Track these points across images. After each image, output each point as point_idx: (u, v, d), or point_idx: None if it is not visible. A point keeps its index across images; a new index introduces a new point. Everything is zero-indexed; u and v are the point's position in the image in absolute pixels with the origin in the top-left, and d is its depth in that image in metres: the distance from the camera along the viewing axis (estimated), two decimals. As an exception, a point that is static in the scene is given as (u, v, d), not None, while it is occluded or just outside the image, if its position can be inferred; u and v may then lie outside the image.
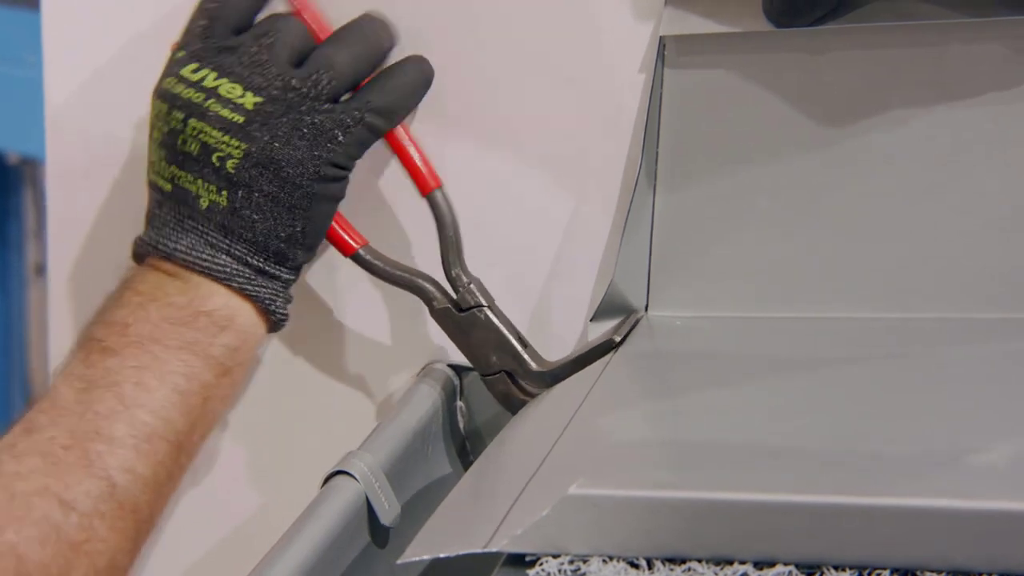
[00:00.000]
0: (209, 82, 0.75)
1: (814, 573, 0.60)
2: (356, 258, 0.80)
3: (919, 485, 0.60)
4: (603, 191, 0.85)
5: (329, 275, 0.87)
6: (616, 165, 0.84)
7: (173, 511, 0.89)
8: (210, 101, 0.74)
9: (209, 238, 0.75)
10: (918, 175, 0.80)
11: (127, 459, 0.71)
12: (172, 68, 0.77)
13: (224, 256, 0.75)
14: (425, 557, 0.63)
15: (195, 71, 0.75)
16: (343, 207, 0.79)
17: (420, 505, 0.82)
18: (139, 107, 0.81)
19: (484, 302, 0.80)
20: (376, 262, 0.80)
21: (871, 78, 0.81)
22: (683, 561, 0.61)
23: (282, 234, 0.75)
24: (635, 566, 0.61)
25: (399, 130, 0.81)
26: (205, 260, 0.75)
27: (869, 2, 0.79)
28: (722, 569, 0.60)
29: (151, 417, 0.72)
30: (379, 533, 0.78)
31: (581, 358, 0.79)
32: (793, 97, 0.82)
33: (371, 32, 0.79)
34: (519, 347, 0.80)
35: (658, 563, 0.61)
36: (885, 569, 0.59)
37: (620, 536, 0.61)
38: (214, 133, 0.74)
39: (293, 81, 0.75)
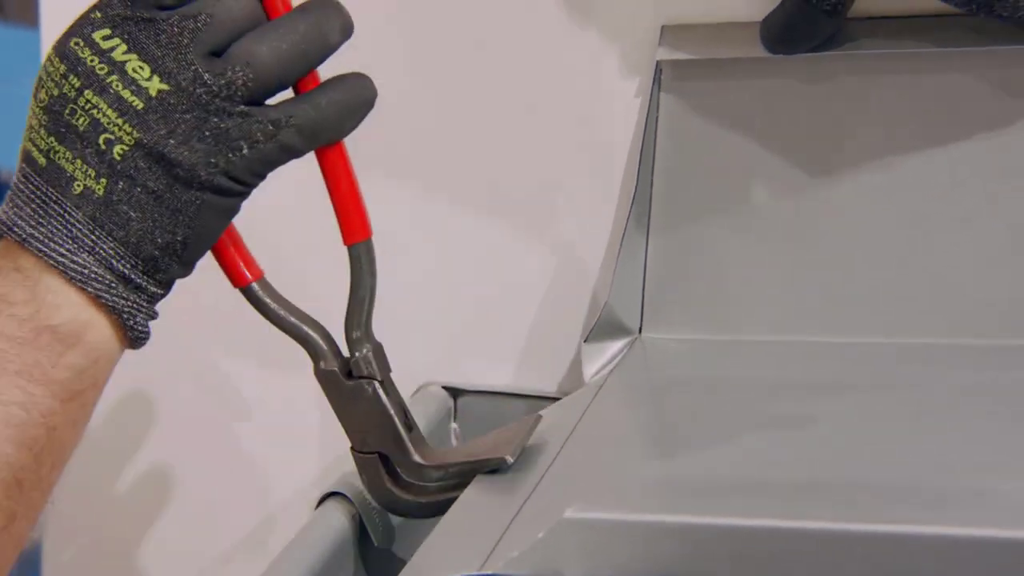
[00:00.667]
0: (118, 55, 0.66)
1: (810, 599, 0.60)
2: (247, 292, 0.71)
3: (917, 512, 0.60)
4: (598, 213, 0.85)
5: (325, 291, 0.87)
6: (611, 187, 0.84)
7: (170, 530, 0.89)
8: (113, 77, 0.66)
9: (74, 229, 0.66)
10: (914, 202, 0.81)
11: None
12: (83, 27, 0.67)
13: (85, 255, 0.66)
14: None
15: (106, 38, 0.66)
16: (244, 229, 0.71)
17: (414, 527, 0.81)
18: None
19: (378, 375, 0.72)
20: (268, 301, 0.71)
21: (867, 105, 0.81)
22: (679, 585, 0.61)
23: (159, 240, 0.66)
24: (630, 590, 0.61)
25: (337, 158, 0.69)
26: (62, 256, 0.66)
27: (867, 30, 0.79)
28: (718, 594, 0.60)
29: None
30: (372, 556, 0.78)
31: (465, 465, 0.71)
32: (789, 122, 0.82)
33: (317, 22, 0.68)
34: (403, 431, 0.72)
35: (654, 587, 0.61)
36: (884, 598, 0.59)
37: (616, 560, 0.61)
38: (108, 112, 0.66)
39: (206, 75, 0.66)
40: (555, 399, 0.84)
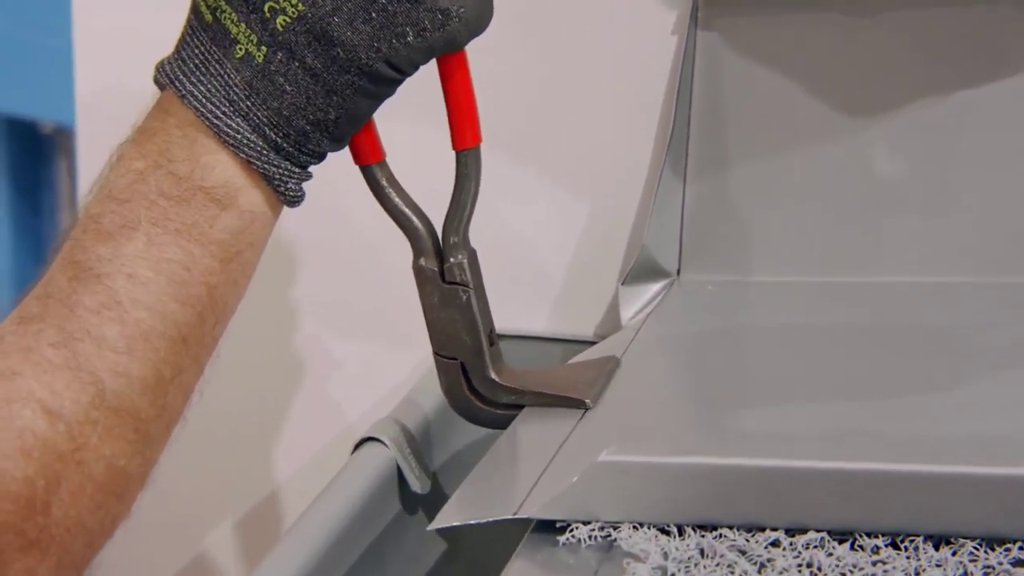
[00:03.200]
0: None
1: (846, 540, 0.59)
2: (367, 172, 0.71)
3: (953, 452, 0.60)
4: (635, 154, 0.84)
5: (355, 243, 0.87)
6: (648, 128, 0.83)
7: (200, 479, 0.89)
8: None
9: (232, 92, 0.67)
10: (958, 140, 0.80)
11: (119, 362, 0.65)
12: None
13: (239, 120, 0.67)
14: (455, 523, 0.62)
15: None
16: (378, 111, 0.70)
17: (450, 472, 0.81)
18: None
19: (471, 283, 0.72)
20: (385, 184, 0.71)
21: (913, 39, 0.80)
22: (714, 528, 0.60)
23: (311, 116, 0.67)
24: (666, 532, 0.61)
25: (461, 62, 0.70)
26: (218, 118, 0.67)
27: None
28: (753, 536, 0.60)
29: (146, 313, 0.66)
30: (409, 500, 0.77)
31: (544, 398, 0.71)
32: (831, 58, 0.81)
33: None
34: (485, 344, 0.72)
35: (689, 529, 0.61)
36: (918, 535, 0.58)
37: (650, 503, 0.61)
38: None
39: None
40: (592, 343, 0.84)
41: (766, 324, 0.78)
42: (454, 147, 0.71)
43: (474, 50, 0.85)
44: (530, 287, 0.87)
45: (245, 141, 0.67)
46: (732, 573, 0.58)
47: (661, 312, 0.80)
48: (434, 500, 0.78)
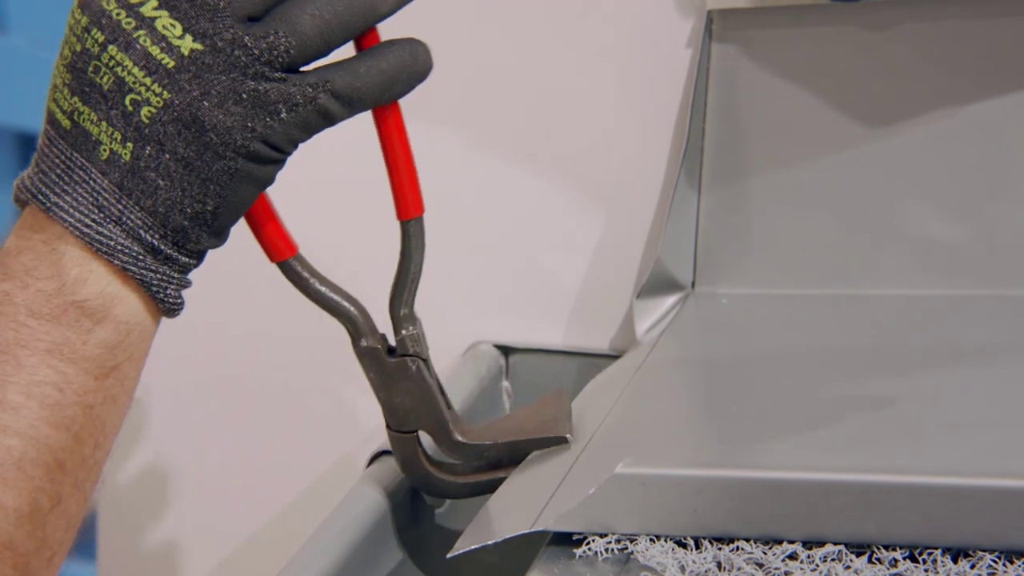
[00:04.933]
0: (147, 10, 0.62)
1: (863, 553, 0.59)
2: (285, 268, 0.69)
3: (971, 464, 0.59)
4: (650, 167, 0.84)
5: (365, 252, 0.87)
6: (663, 140, 0.83)
7: (213, 492, 0.89)
8: (141, 32, 0.62)
9: (100, 197, 0.63)
10: (973, 153, 0.79)
11: None
12: None
13: (112, 225, 0.63)
14: (474, 547, 0.62)
15: None
16: (279, 202, 0.68)
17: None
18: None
19: (422, 353, 0.71)
20: (307, 276, 0.69)
21: (927, 52, 0.79)
22: (731, 540, 0.60)
23: (188, 210, 0.63)
24: (682, 545, 0.61)
25: (392, 126, 0.67)
26: (88, 226, 0.63)
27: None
28: (770, 548, 0.60)
29: (17, 440, 0.62)
30: (424, 514, 0.77)
31: (520, 444, 0.70)
32: (846, 72, 0.81)
33: None
34: (444, 409, 0.71)
35: (705, 542, 0.61)
36: (936, 548, 0.58)
37: (667, 515, 0.61)
38: (135, 71, 0.62)
39: (245, 38, 0.62)
40: (607, 356, 0.84)
41: (781, 337, 0.78)
42: (398, 216, 0.69)
43: (488, 64, 0.85)
44: (546, 301, 0.87)
45: (119, 247, 0.63)
46: (750, 586, 0.58)
47: (676, 325, 0.80)
48: (449, 513, 0.78)
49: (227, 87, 0.62)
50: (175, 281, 0.65)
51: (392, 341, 0.71)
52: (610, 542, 0.62)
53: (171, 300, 0.65)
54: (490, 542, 0.63)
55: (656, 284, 0.82)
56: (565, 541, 0.63)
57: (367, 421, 0.88)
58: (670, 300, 0.83)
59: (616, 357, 0.82)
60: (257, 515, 0.92)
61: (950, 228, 0.80)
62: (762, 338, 0.78)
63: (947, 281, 0.80)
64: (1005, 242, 0.79)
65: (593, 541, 0.62)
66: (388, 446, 0.76)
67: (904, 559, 0.59)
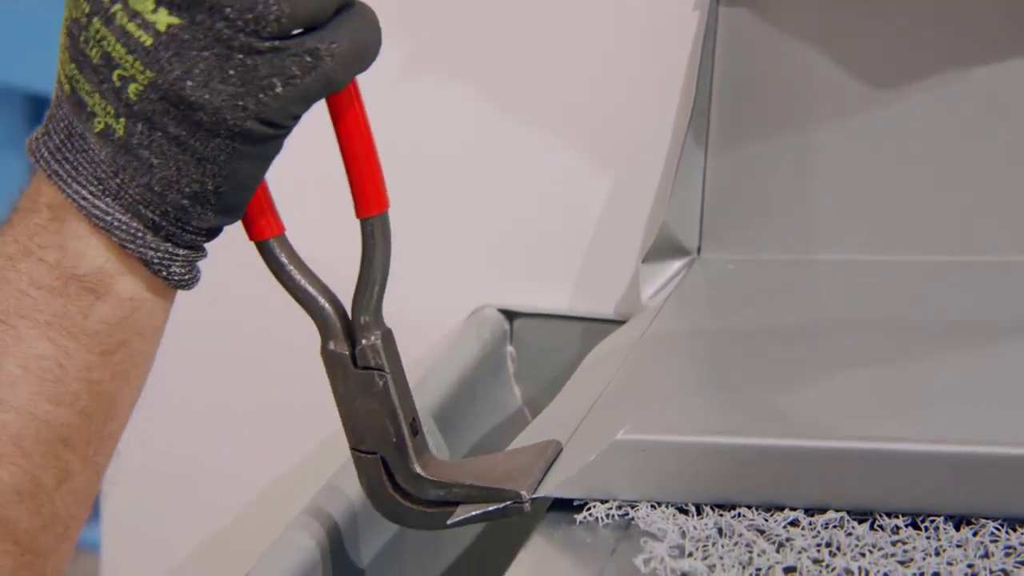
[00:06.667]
0: None
1: (865, 520, 0.59)
2: (263, 248, 0.63)
3: (974, 432, 0.59)
4: (656, 130, 0.83)
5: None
6: (670, 103, 0.83)
7: (203, 471, 0.89)
8: (117, 6, 0.58)
9: (99, 169, 0.59)
10: (983, 116, 0.79)
11: None
12: None
13: (109, 200, 0.59)
14: (474, 514, 0.62)
15: None
16: (270, 175, 0.62)
17: (468, 450, 0.81)
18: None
19: (387, 366, 0.63)
20: (286, 262, 0.63)
21: (939, 13, 0.79)
22: (732, 507, 0.60)
23: (186, 189, 0.59)
24: (684, 511, 0.61)
25: (353, 110, 0.61)
26: (85, 198, 0.60)
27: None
28: (772, 515, 0.59)
29: (13, 415, 0.59)
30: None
31: (474, 489, 0.63)
32: (853, 33, 0.80)
33: None
34: (407, 435, 0.63)
35: (707, 508, 0.60)
36: (939, 516, 0.58)
37: (668, 482, 0.61)
38: (117, 47, 0.58)
39: (227, 8, 0.57)
40: (611, 321, 0.83)
41: (786, 303, 0.77)
42: (357, 214, 0.63)
43: (494, 26, 0.84)
44: (550, 265, 0.86)
45: (117, 223, 0.59)
46: (750, 552, 0.58)
47: (681, 291, 0.80)
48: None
49: (211, 64, 0.58)
50: (180, 258, 0.61)
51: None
52: (611, 508, 0.61)
53: (178, 276, 0.61)
54: (491, 508, 0.62)
55: (662, 249, 0.82)
56: (566, 507, 0.62)
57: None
58: (676, 265, 0.82)
59: (621, 322, 0.81)
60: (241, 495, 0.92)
61: (961, 192, 0.79)
62: (767, 304, 0.77)
63: (958, 247, 0.79)
64: (1016, 208, 0.79)
65: (594, 507, 0.62)
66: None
67: (906, 526, 0.58)
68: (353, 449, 0.65)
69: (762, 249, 0.82)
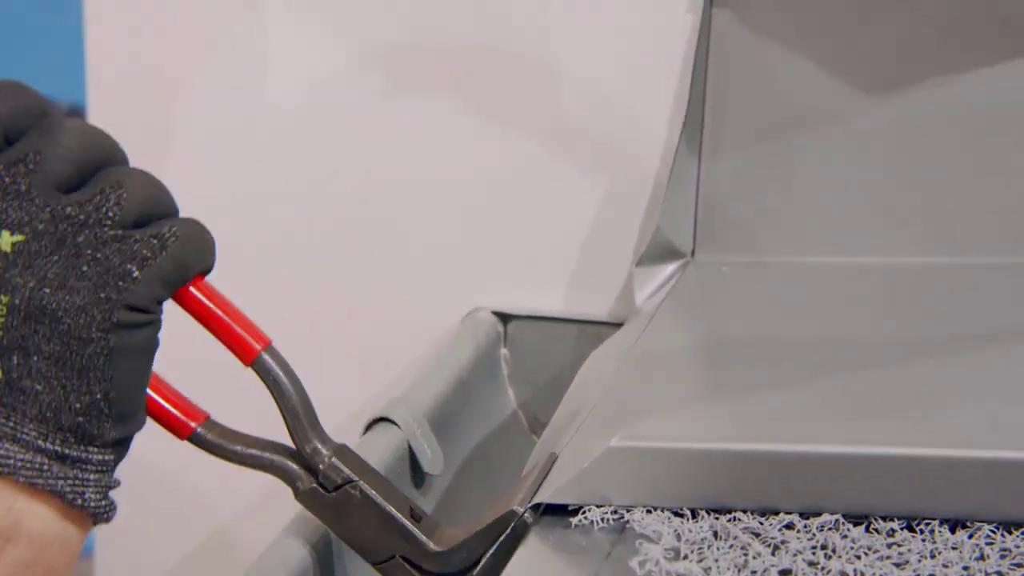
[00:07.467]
0: None
1: (861, 523, 0.59)
2: (195, 440, 0.63)
3: (969, 436, 0.59)
4: (650, 134, 0.83)
5: (373, 217, 0.86)
6: (663, 107, 0.83)
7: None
8: None
9: None
10: (975, 119, 0.79)
11: None
12: None
13: (7, 444, 0.58)
14: (491, 552, 0.62)
15: None
16: (169, 374, 0.63)
17: (462, 452, 0.81)
18: (180, 53, 0.80)
19: (354, 475, 0.64)
20: (221, 442, 0.64)
21: (931, 16, 0.79)
22: (728, 511, 0.60)
23: (76, 405, 0.58)
24: (679, 515, 0.61)
25: (203, 290, 0.61)
26: None
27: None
28: (767, 519, 0.59)
29: None
30: (421, 481, 0.77)
31: (481, 532, 0.63)
32: (846, 36, 0.80)
33: None
34: (409, 525, 0.64)
35: (702, 512, 0.60)
36: (934, 519, 0.58)
37: (663, 487, 0.61)
38: None
39: (67, 209, 0.58)
40: (606, 324, 0.84)
41: (780, 306, 0.77)
42: (244, 362, 0.63)
43: (487, 28, 0.84)
44: (545, 268, 0.87)
45: (20, 463, 0.58)
46: (746, 555, 0.58)
47: (675, 294, 0.79)
48: (447, 480, 0.78)
49: (63, 265, 0.58)
50: (92, 483, 0.60)
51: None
52: (606, 512, 0.61)
53: (93, 503, 0.60)
54: (502, 538, 0.62)
55: (656, 252, 0.82)
56: (561, 511, 0.62)
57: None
58: (670, 268, 0.82)
59: (616, 325, 0.81)
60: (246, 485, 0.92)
61: (955, 194, 0.79)
62: (761, 307, 0.77)
63: (952, 249, 0.79)
64: (1008, 210, 0.79)
65: (589, 511, 0.61)
66: (384, 412, 0.76)
67: (902, 529, 0.58)
68: (375, 565, 0.65)
69: (757, 251, 0.82)
